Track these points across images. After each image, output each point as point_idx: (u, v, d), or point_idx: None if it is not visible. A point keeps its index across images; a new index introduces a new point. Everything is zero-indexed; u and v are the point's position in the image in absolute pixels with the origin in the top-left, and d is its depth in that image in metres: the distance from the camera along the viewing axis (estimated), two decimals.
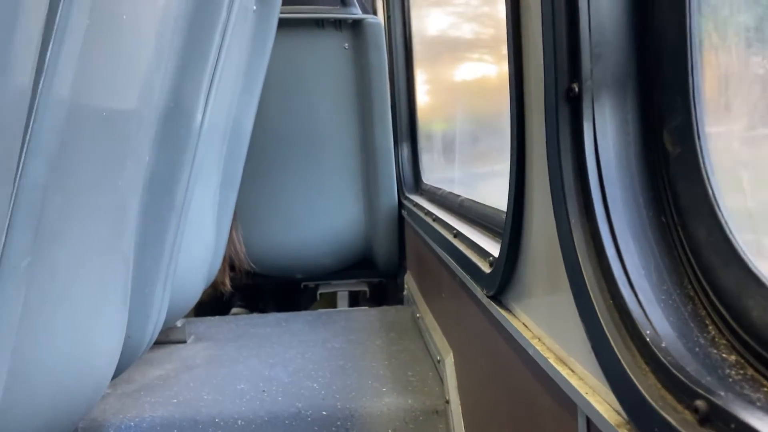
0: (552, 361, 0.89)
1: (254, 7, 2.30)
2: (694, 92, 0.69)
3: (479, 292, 1.34)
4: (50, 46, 0.97)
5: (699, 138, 0.69)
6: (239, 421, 1.82)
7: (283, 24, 2.58)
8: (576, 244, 0.77)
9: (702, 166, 0.68)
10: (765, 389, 0.56)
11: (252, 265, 3.08)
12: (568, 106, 0.77)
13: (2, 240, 0.93)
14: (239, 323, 2.78)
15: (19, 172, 0.95)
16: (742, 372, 0.59)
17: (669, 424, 0.55)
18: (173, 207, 1.74)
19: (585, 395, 0.75)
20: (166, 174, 1.65)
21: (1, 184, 0.90)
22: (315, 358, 2.23)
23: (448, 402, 1.80)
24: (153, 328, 1.85)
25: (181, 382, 2.07)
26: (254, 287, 3.37)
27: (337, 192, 3.03)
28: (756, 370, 0.58)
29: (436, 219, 2.05)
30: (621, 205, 0.74)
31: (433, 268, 2.18)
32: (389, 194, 3.06)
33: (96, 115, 1.21)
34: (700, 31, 0.70)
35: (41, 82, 0.97)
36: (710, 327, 0.65)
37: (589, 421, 0.75)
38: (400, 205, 3.09)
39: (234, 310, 3.42)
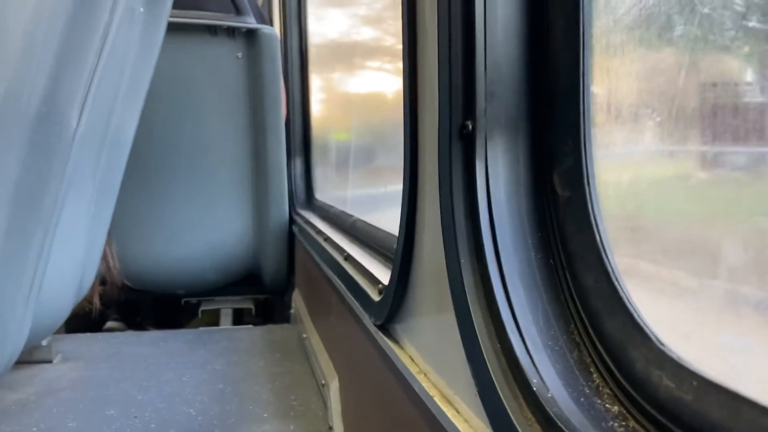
0: (437, 399, 0.87)
1: (141, 9, 2.18)
2: (585, 135, 0.69)
3: (367, 320, 1.30)
4: None
5: (588, 183, 0.69)
6: None
7: (173, 29, 2.46)
8: (465, 282, 0.75)
9: (591, 211, 0.68)
10: None
11: (126, 279, 2.91)
12: (461, 143, 0.75)
13: None
14: (112, 341, 2.61)
15: None
16: (624, 424, 0.58)
17: None
18: (40, 219, 1.59)
19: None
20: (33, 184, 1.51)
21: None
22: (193, 381, 2.12)
23: (331, 429, 1.75)
24: (12, 348, 1.69)
25: (43, 407, 1.90)
26: (131, 302, 3.18)
27: (224, 205, 2.92)
28: (637, 422, 0.58)
29: (327, 239, 2.01)
30: (510, 247, 0.72)
31: (322, 289, 2.14)
32: (280, 209, 2.98)
33: None
34: (592, 73, 0.70)
35: None
36: (595, 375, 0.64)
37: None
38: (291, 220, 3.02)
39: (108, 324, 3.21)
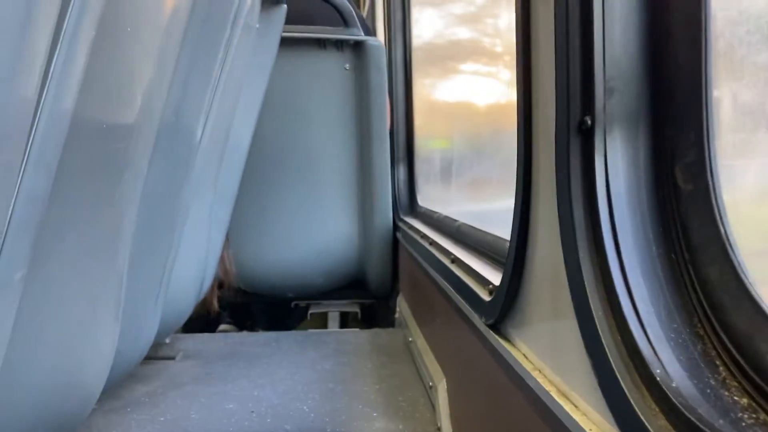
0: (554, 394, 0.88)
1: (257, 25, 2.30)
2: (708, 129, 0.69)
3: (477, 320, 1.32)
4: (56, 56, 0.96)
5: (712, 175, 0.69)
6: None
7: (285, 42, 2.58)
8: (585, 276, 0.76)
9: (714, 204, 0.68)
10: None
11: (241, 283, 3.06)
12: (580, 139, 0.76)
13: None
14: (228, 341, 2.75)
15: (18, 184, 0.93)
16: (755, 416, 0.58)
17: None
18: (169, 222, 1.72)
19: (589, 431, 0.74)
20: (163, 189, 1.63)
21: (0, 196, 0.88)
22: (304, 380, 2.20)
23: (439, 429, 1.78)
24: (144, 343, 1.83)
25: (168, 399, 2.04)
26: (243, 305, 3.34)
27: (331, 212, 3.02)
28: None
29: (433, 243, 2.04)
30: (631, 241, 0.73)
31: (427, 293, 2.17)
32: (384, 215, 3.04)
33: (96, 128, 1.20)
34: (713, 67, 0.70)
35: (45, 92, 0.95)
36: (721, 368, 0.64)
37: None
38: (395, 227, 3.08)
39: (222, 327, 3.38)
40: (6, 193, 0.90)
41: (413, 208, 3.12)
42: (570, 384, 0.85)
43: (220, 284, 2.93)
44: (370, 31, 3.10)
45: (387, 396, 2.05)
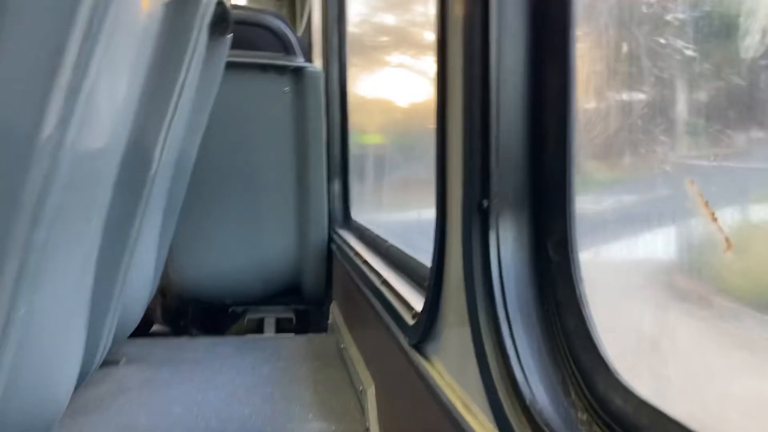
0: (459, 407, 1.12)
1: (204, 52, 2.47)
2: (571, 215, 0.94)
3: (402, 338, 1.56)
4: (70, 92, 1.09)
5: (572, 251, 0.94)
6: None
7: (229, 67, 2.75)
8: (480, 321, 1.00)
9: (573, 272, 0.93)
10: None
11: (182, 290, 3.21)
12: (479, 216, 1.00)
13: None
14: (169, 346, 2.90)
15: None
16: (589, 428, 0.83)
17: None
18: (125, 244, 1.88)
19: None
20: (121, 217, 1.80)
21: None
22: (245, 384, 2.39)
23: (368, 429, 2.01)
24: (102, 350, 1.98)
25: (117, 404, 2.19)
26: (181, 309, 3.49)
27: (270, 224, 3.22)
28: (598, 426, 0.83)
29: (365, 263, 2.27)
30: (515, 295, 0.97)
31: (359, 304, 2.40)
32: (320, 228, 3.26)
33: (83, 158, 1.34)
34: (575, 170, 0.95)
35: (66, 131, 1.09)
36: (572, 392, 0.89)
37: None
38: (330, 238, 3.29)
39: (155, 328, 3.52)
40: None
41: (347, 221, 3.35)
42: (471, 398, 1.10)
43: (162, 292, 3.08)
44: (309, 56, 3.31)
45: (321, 399, 2.27)
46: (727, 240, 0.61)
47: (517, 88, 0.99)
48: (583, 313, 0.91)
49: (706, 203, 0.63)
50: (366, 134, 3.54)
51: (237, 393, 2.30)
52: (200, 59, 2.34)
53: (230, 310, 3.47)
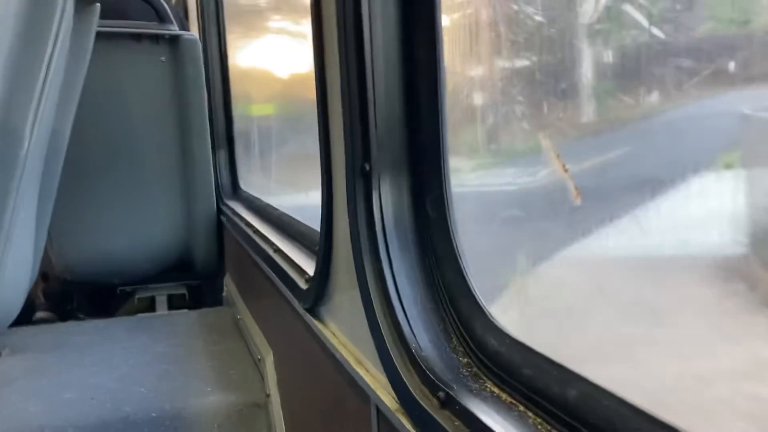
0: (352, 362, 1.17)
1: (73, 22, 2.35)
2: (445, 175, 1.00)
3: (296, 304, 1.59)
4: None
5: (448, 207, 1.00)
6: (69, 429, 1.92)
7: (101, 37, 2.62)
8: (368, 277, 1.05)
9: (450, 227, 0.99)
10: (481, 381, 0.87)
11: (66, 273, 3.08)
12: (362, 179, 1.04)
13: None
14: (55, 333, 2.79)
15: None
16: (469, 370, 0.90)
17: (423, 408, 0.85)
18: (0, 228, 1.79)
19: (375, 389, 1.04)
20: None
21: None
22: (140, 363, 2.35)
23: (268, 396, 2.04)
24: None
25: (2, 396, 2.10)
26: (65, 293, 3.35)
27: (155, 199, 3.13)
28: (478, 368, 0.90)
29: (257, 232, 2.27)
30: (398, 252, 1.03)
31: (253, 275, 2.40)
32: (208, 200, 3.21)
33: None
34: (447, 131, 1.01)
35: None
36: (454, 339, 0.96)
37: (378, 409, 1.04)
38: (219, 210, 3.25)
39: (39, 314, 3.36)
40: None
41: (236, 192, 3.31)
42: (363, 354, 1.15)
43: (44, 276, 2.94)
44: (185, 24, 3.20)
45: (219, 371, 2.27)
46: (576, 188, 0.69)
47: (391, 59, 1.03)
48: (460, 264, 0.97)
49: (558, 155, 0.70)
50: (254, 104, 3.47)
51: (131, 373, 2.26)
52: (68, 30, 2.23)
53: (118, 290, 3.37)
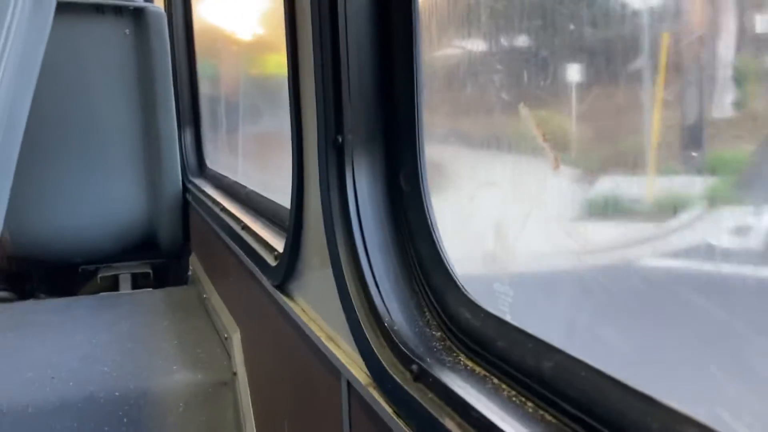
0: (323, 339, 1.16)
1: None
2: (420, 149, 0.99)
3: (265, 281, 1.57)
4: None
5: (422, 181, 0.99)
6: (29, 408, 1.87)
7: (62, 8, 2.54)
8: (340, 250, 1.04)
9: (424, 200, 0.98)
10: (455, 354, 0.87)
11: (25, 252, 3.00)
12: (335, 151, 1.03)
13: None
14: (14, 312, 2.72)
15: None
16: (443, 343, 0.90)
17: (396, 381, 0.85)
18: None
19: (346, 365, 1.03)
20: None
21: None
22: (103, 342, 2.31)
23: (235, 374, 2.02)
24: None
25: None
26: (24, 272, 3.27)
27: (118, 175, 3.06)
28: (451, 342, 0.90)
29: (224, 209, 2.24)
30: (371, 225, 1.02)
31: (220, 253, 2.37)
32: (173, 178, 3.15)
33: None
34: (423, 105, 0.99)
35: None
36: (427, 313, 0.95)
37: (349, 384, 1.04)
38: (185, 188, 3.20)
39: None
40: None
41: (202, 170, 3.26)
42: (335, 330, 1.14)
43: (2, 255, 2.86)
44: None
45: (185, 350, 2.24)
46: (555, 158, 0.68)
47: (366, 30, 1.01)
48: (434, 237, 0.97)
49: (538, 125, 0.69)
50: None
51: (94, 352, 2.22)
52: None
53: (80, 269, 3.30)
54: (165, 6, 3.19)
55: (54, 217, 2.98)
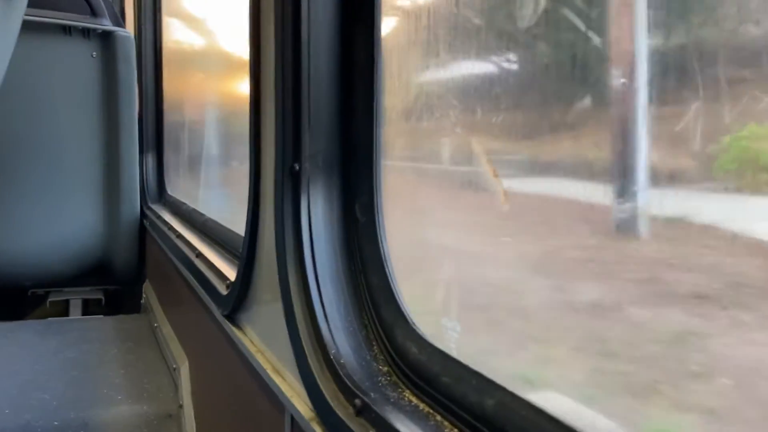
0: (269, 371, 1.13)
1: None
2: (377, 180, 0.98)
3: (215, 310, 1.53)
4: None
5: (377, 212, 0.98)
6: None
7: (28, 27, 2.51)
8: (290, 282, 1.02)
9: (378, 232, 0.97)
10: (400, 389, 0.85)
11: None
12: (291, 179, 1.01)
13: None
14: None
15: None
16: (389, 378, 0.88)
17: (338, 416, 0.82)
18: None
19: (290, 398, 1.00)
20: None
21: None
22: (46, 369, 2.22)
23: (181, 406, 1.96)
24: None
25: None
26: None
27: (74, 199, 2.99)
28: (397, 376, 0.88)
29: (180, 236, 2.19)
30: (324, 256, 1.00)
31: (173, 281, 2.32)
32: (131, 203, 3.09)
33: None
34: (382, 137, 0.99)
35: None
36: (375, 347, 0.93)
37: (292, 418, 1.00)
38: (143, 214, 3.14)
39: None
40: None
41: (162, 196, 3.21)
42: (281, 362, 1.11)
43: None
44: (119, 20, 3.10)
45: (132, 380, 2.17)
46: (504, 193, 0.68)
47: (328, 60, 1.01)
48: (386, 269, 0.95)
49: (489, 161, 0.69)
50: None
51: (37, 379, 2.13)
52: None
53: (30, 293, 3.19)
54: (135, 31, 3.17)
55: (3, 238, 2.89)
